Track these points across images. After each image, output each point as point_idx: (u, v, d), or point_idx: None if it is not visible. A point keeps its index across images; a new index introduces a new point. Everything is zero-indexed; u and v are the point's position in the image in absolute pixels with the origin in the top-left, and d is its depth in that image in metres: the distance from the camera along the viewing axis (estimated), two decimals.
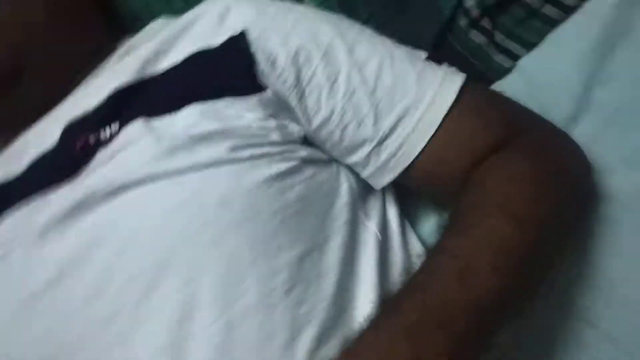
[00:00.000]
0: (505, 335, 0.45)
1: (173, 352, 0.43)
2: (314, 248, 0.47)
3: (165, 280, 0.44)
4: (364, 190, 0.54)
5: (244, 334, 0.43)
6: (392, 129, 0.50)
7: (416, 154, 0.50)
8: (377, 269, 0.49)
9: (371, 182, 0.53)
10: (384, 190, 0.55)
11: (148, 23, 0.60)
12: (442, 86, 0.51)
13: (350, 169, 0.54)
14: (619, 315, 0.52)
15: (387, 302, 0.44)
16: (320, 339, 0.44)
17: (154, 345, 0.43)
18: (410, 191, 0.57)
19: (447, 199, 0.53)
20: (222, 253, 0.44)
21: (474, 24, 0.63)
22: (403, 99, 0.50)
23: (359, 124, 0.50)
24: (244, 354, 0.42)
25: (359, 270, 0.50)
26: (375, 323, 0.43)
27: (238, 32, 0.50)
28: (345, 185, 0.52)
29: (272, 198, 0.46)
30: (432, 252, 0.46)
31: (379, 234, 0.52)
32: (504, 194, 0.46)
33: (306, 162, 0.50)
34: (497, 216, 0.44)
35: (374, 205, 0.54)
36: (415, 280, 0.44)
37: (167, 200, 0.45)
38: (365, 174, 0.53)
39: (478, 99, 0.52)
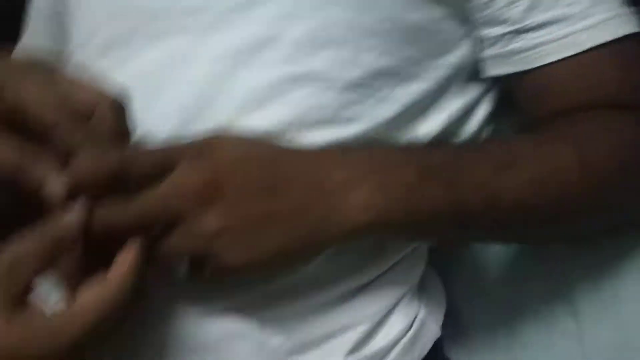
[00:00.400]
0: None
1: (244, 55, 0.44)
2: (396, 73, 0.47)
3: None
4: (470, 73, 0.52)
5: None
6: (538, 27, 0.47)
7: (544, 62, 0.48)
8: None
9: (487, 64, 0.51)
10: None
11: None
12: (611, 21, 0.47)
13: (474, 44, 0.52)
14: None
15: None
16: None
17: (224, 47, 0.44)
18: None
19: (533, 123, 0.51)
20: (323, 15, 0.45)
21: None
22: (569, 5, 0.47)
23: (511, 3, 0.48)
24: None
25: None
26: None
27: None
28: (461, 50, 0.50)
29: (397, 5, 0.46)
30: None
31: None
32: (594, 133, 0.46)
33: (440, 3, 0.48)
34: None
35: (469, 90, 0.52)
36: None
37: None
38: (486, 53, 0.50)
39: (637, 55, 0.48)
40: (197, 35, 0.45)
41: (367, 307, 0.46)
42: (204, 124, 0.42)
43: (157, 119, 0.43)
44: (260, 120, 0.43)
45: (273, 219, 0.38)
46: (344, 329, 0.45)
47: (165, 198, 0.37)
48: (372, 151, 0.42)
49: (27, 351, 0.33)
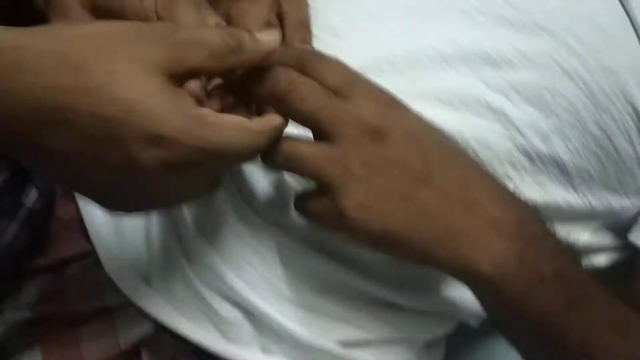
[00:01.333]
0: None
1: None
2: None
3: None
4: None
5: None
6: None
7: None
8: None
9: None
10: None
11: None
12: None
13: None
14: None
15: None
16: None
17: None
18: None
19: None
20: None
21: None
22: None
23: None
24: None
25: None
26: None
27: None
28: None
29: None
30: None
31: None
32: None
33: None
34: None
35: None
36: None
37: None
38: None
39: None
40: None
41: None
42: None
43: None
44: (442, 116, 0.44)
45: (414, 204, 0.38)
46: None
47: (335, 111, 0.37)
48: (535, 217, 0.41)
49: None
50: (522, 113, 0.45)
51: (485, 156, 0.45)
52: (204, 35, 0.33)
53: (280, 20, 0.48)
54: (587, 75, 0.45)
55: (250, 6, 0.46)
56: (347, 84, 0.39)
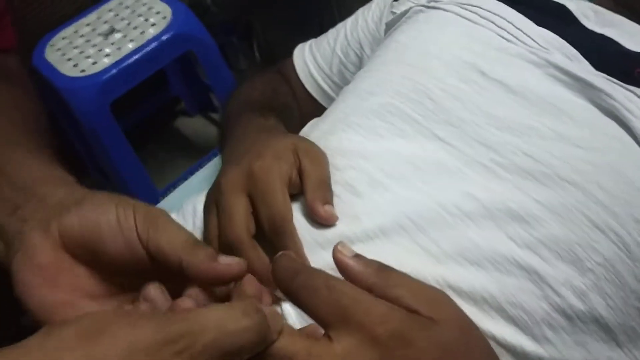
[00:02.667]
0: None
1: None
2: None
3: None
4: None
5: None
6: None
7: None
8: None
9: None
10: None
11: None
12: None
13: None
14: None
15: None
16: None
17: None
18: None
19: None
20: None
21: None
22: None
23: None
24: None
25: None
26: None
27: None
28: None
29: None
30: None
31: None
32: None
33: None
34: None
35: None
36: None
37: None
38: None
39: None
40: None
41: None
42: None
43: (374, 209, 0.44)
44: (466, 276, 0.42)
45: None
46: None
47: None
48: None
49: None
50: (556, 270, 0.42)
51: (519, 318, 0.42)
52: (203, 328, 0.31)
53: (300, 176, 0.48)
54: (620, 228, 0.43)
55: (274, 162, 0.47)
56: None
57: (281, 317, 0.34)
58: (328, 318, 0.34)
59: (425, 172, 0.47)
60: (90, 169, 1.28)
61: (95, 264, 0.35)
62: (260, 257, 0.44)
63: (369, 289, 0.35)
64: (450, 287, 0.42)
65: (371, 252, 0.44)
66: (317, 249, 0.46)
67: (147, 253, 0.35)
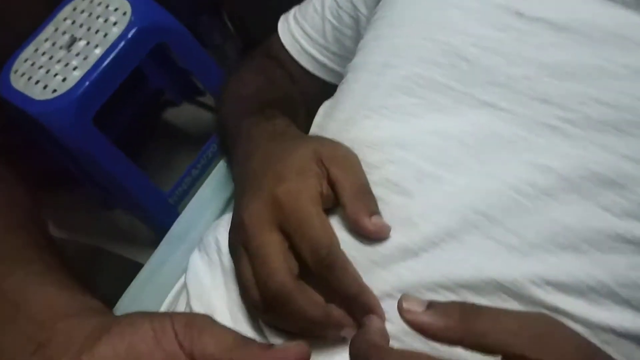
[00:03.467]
0: None
1: None
2: None
3: None
4: None
5: None
6: None
7: None
8: None
9: None
10: None
11: None
12: None
13: None
14: None
15: None
16: None
17: None
18: None
19: None
20: None
21: None
22: None
23: None
24: None
25: None
26: None
27: None
28: None
29: None
30: None
31: None
32: None
33: None
34: None
35: None
36: None
37: None
38: None
39: None
40: None
41: None
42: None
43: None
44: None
45: None
46: None
47: None
48: None
49: None
50: None
51: (636, 299, 0.35)
52: None
53: (332, 187, 0.41)
54: None
55: (300, 181, 0.40)
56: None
57: None
58: None
59: (480, 149, 0.39)
60: (89, 186, 1.22)
61: None
62: (314, 301, 0.37)
63: (460, 343, 0.29)
64: (549, 283, 0.35)
65: (441, 261, 0.37)
66: (374, 270, 0.39)
67: None
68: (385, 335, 0.32)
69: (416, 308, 0.30)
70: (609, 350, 0.36)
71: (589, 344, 0.30)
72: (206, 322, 0.33)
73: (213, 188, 0.66)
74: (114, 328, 0.32)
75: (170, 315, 0.33)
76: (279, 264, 0.38)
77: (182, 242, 0.61)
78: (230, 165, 0.54)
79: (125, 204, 1.20)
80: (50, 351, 0.33)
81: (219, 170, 0.68)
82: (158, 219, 1.10)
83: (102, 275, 0.81)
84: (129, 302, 0.58)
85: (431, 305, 0.30)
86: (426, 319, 0.29)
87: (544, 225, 0.37)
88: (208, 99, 1.30)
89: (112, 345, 0.32)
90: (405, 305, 0.30)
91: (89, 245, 1.10)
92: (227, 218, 0.48)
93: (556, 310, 0.36)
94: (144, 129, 1.39)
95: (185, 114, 1.40)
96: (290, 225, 0.38)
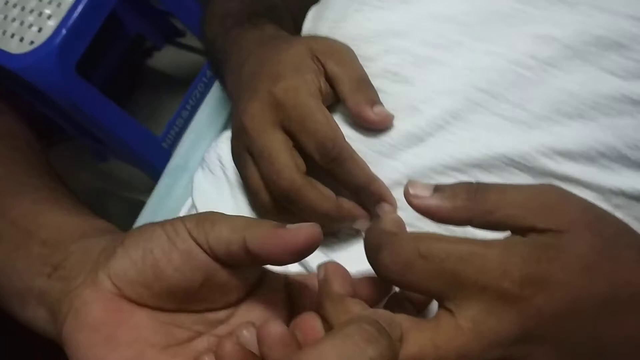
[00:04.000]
0: None
1: None
2: None
3: None
4: None
5: None
6: None
7: None
8: None
9: None
10: None
11: None
12: None
13: None
14: None
15: None
16: None
17: None
18: None
19: None
20: None
21: None
22: None
23: None
24: None
25: None
26: None
27: None
28: None
29: None
30: None
31: None
32: None
33: None
34: None
35: None
36: None
37: None
38: None
39: None
40: None
41: None
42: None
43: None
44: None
45: None
46: None
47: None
48: None
49: None
50: None
51: None
52: None
53: (330, 83, 0.40)
54: None
55: (297, 78, 0.40)
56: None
57: (395, 319, 0.27)
58: (438, 291, 0.27)
59: (478, 28, 0.39)
60: (81, 139, 1.21)
61: (158, 299, 0.30)
62: (325, 195, 0.37)
63: (469, 222, 0.28)
64: (558, 152, 0.35)
65: (448, 143, 0.37)
66: (382, 160, 0.39)
67: (209, 255, 0.30)
68: (400, 223, 0.31)
69: (423, 192, 0.30)
70: (620, 214, 0.36)
71: (594, 206, 0.30)
72: (217, 215, 0.32)
73: (208, 114, 0.65)
74: (126, 241, 0.32)
75: (181, 218, 0.32)
76: (286, 161, 0.37)
77: (184, 170, 0.61)
78: (224, 83, 0.53)
79: (119, 153, 1.19)
80: (66, 272, 0.33)
81: (213, 96, 0.67)
82: (154, 165, 1.09)
83: (107, 217, 0.81)
84: None
85: (438, 189, 0.30)
86: (433, 202, 0.29)
87: (549, 96, 0.36)
88: (190, 40, 1.27)
89: (128, 256, 0.31)
90: (411, 191, 0.30)
91: (91, 190, 1.10)
92: (227, 134, 0.47)
93: (567, 179, 0.36)
94: (128, 77, 1.35)
95: (168, 58, 1.37)
96: (293, 122, 0.38)
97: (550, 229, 0.27)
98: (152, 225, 0.32)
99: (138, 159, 1.10)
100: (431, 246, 0.27)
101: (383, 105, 0.39)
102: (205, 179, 0.46)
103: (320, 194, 0.37)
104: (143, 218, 0.58)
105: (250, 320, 0.32)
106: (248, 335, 0.30)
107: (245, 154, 0.40)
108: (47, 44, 0.95)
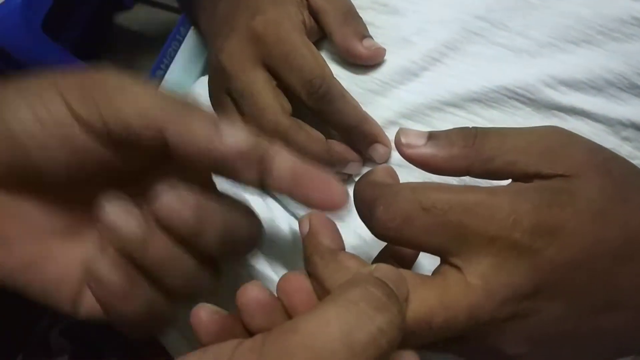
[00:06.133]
0: None
1: None
2: None
3: None
4: None
5: None
6: None
7: None
8: None
9: None
10: None
11: None
12: None
13: None
14: None
15: None
16: None
17: None
18: None
19: None
20: None
21: None
22: None
23: None
24: None
25: None
26: None
27: None
28: None
29: None
30: None
31: None
32: None
33: None
34: None
35: None
36: None
37: None
38: None
39: None
40: None
41: None
42: None
43: None
44: None
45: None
46: None
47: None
48: None
49: None
50: None
51: None
52: None
53: (315, 17, 0.37)
54: None
55: (278, 10, 0.36)
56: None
57: (402, 276, 0.24)
58: (442, 246, 0.24)
59: None
60: None
61: (39, 189, 0.26)
62: (313, 137, 0.34)
63: (468, 171, 0.26)
64: (563, 82, 0.32)
65: (445, 77, 0.34)
66: (374, 99, 0.36)
67: (104, 141, 0.25)
68: (392, 173, 0.29)
69: (416, 141, 0.27)
70: (629, 147, 0.34)
71: (602, 147, 0.27)
72: (115, 81, 0.25)
73: (180, 70, 0.62)
74: None
75: (56, 84, 0.25)
76: (270, 102, 0.34)
77: None
78: (200, 28, 0.49)
79: None
80: None
81: (187, 45, 0.63)
82: None
83: None
84: None
85: (432, 136, 0.27)
86: (428, 151, 0.26)
87: (552, 21, 0.34)
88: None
89: None
90: (404, 140, 0.27)
91: None
92: (205, 79, 0.44)
93: (573, 110, 0.33)
94: (98, 37, 1.32)
95: (139, 17, 1.35)
96: (275, 58, 0.34)
97: (556, 173, 0.25)
98: (14, 94, 0.25)
99: None
100: (433, 197, 0.25)
101: (373, 39, 0.36)
102: None
103: (308, 136, 0.34)
104: None
105: (168, 180, 0.26)
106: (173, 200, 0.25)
107: (224, 96, 0.37)
108: (9, 1, 0.91)
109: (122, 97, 0.25)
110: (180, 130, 0.25)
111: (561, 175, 0.25)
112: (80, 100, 0.24)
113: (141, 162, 0.27)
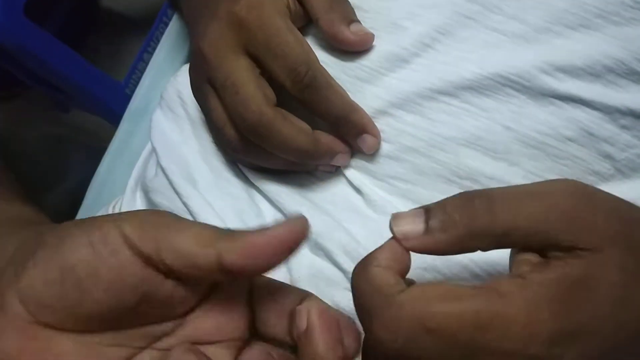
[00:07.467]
0: None
1: None
2: None
3: None
4: None
5: None
6: None
7: None
8: None
9: None
10: None
11: None
12: None
13: None
14: None
15: None
16: None
17: None
18: None
19: None
20: None
21: None
22: None
23: None
24: None
25: None
26: None
27: None
28: None
29: None
30: None
31: None
32: None
33: None
34: None
35: None
36: None
37: None
38: None
39: None
40: None
41: None
42: None
43: None
44: None
45: None
46: None
47: None
48: None
49: None
50: None
51: None
52: None
53: (300, 2, 0.36)
54: None
55: None
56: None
57: None
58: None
59: None
60: (40, 90, 1.15)
61: (85, 322, 0.26)
62: (299, 128, 0.33)
63: (479, 249, 0.25)
64: (559, 68, 0.31)
65: (436, 64, 0.33)
66: (362, 87, 0.35)
67: (153, 268, 0.26)
68: (399, 258, 0.26)
69: (412, 227, 0.25)
70: (627, 136, 0.33)
71: (621, 205, 0.26)
72: (168, 218, 0.26)
73: (168, 50, 0.60)
74: (40, 251, 0.25)
75: (115, 220, 0.26)
76: (253, 91, 0.33)
77: (145, 113, 0.56)
78: (181, 13, 0.47)
79: (79, 102, 1.13)
80: None
81: (172, 30, 0.61)
82: (118, 112, 1.04)
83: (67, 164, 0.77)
84: (100, 182, 0.54)
85: (429, 214, 0.25)
86: (430, 240, 0.25)
87: (549, 5, 0.32)
88: None
89: (41, 275, 0.25)
90: (397, 230, 0.25)
91: (52, 137, 1.05)
92: (186, 68, 0.42)
93: (570, 98, 0.32)
94: (83, 20, 1.30)
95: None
96: (259, 44, 0.33)
97: (577, 247, 0.23)
98: (76, 228, 0.26)
99: (99, 107, 1.04)
100: (438, 316, 0.23)
101: (361, 23, 0.35)
102: (164, 118, 0.42)
103: (293, 127, 0.33)
104: (103, 167, 0.54)
105: (197, 335, 0.27)
106: None
107: (206, 85, 0.35)
108: None
109: (178, 233, 0.25)
110: (230, 246, 0.25)
111: (581, 249, 0.23)
112: (138, 235, 0.25)
113: (189, 293, 0.27)
